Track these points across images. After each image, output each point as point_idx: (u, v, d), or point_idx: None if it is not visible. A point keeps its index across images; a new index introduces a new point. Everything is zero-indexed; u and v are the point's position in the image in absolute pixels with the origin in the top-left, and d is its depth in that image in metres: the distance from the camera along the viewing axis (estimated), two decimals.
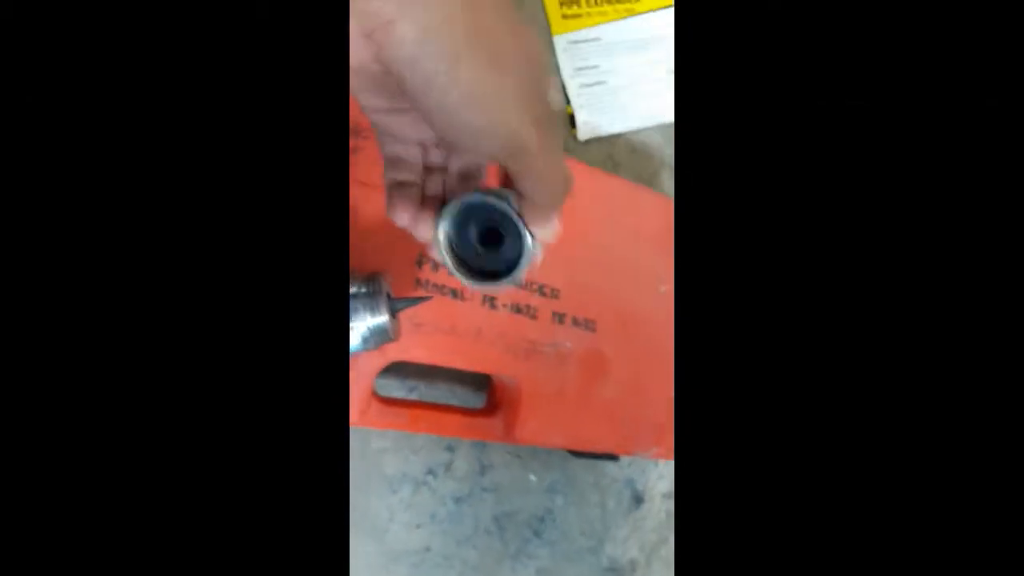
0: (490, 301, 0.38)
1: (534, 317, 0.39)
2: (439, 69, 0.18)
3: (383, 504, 0.43)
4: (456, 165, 0.27)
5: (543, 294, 0.40)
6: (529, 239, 0.25)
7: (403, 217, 0.26)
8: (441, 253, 0.27)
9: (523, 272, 0.26)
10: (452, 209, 0.26)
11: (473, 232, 0.27)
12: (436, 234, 0.26)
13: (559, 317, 0.40)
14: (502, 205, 0.25)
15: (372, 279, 0.30)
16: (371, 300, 0.29)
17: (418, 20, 0.17)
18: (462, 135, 0.20)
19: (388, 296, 0.30)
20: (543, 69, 0.21)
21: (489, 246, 0.27)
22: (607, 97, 0.48)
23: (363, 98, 0.22)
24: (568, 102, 0.48)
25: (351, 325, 0.29)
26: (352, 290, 0.30)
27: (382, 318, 0.29)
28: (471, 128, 0.19)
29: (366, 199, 0.33)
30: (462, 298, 0.37)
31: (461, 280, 0.27)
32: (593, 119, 0.48)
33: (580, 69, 0.48)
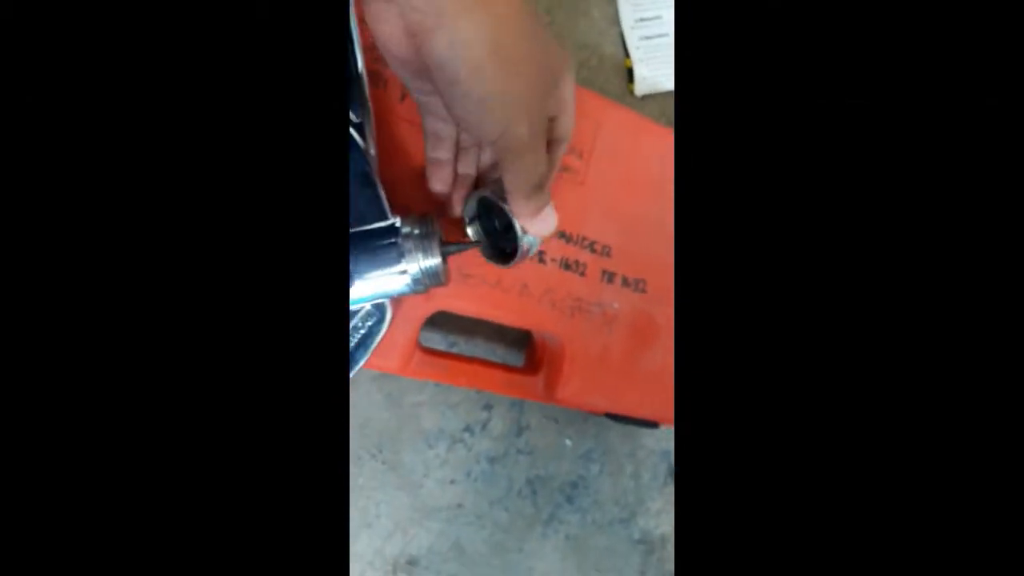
0: (539, 255, 0.37)
1: (583, 274, 0.38)
2: (461, 76, 0.22)
3: (419, 459, 0.43)
4: (488, 147, 0.31)
5: (593, 251, 0.38)
6: (518, 228, 0.29)
7: (440, 193, 0.31)
8: (468, 232, 0.32)
9: (517, 259, 0.30)
10: (472, 199, 0.31)
11: (495, 218, 0.32)
12: (464, 216, 0.32)
13: (608, 276, 0.39)
14: (498, 201, 0.29)
15: (424, 220, 0.29)
16: (423, 241, 0.28)
17: (450, 34, 0.21)
18: (471, 127, 0.24)
19: (440, 239, 0.29)
20: (556, 78, 0.25)
21: (506, 229, 0.31)
22: (668, 51, 0.46)
23: (407, 81, 0.26)
24: (627, 55, 0.46)
25: (403, 266, 0.28)
26: (404, 230, 0.29)
27: (434, 260, 0.28)
28: (480, 124, 0.24)
29: (417, 139, 0.32)
30: None
31: (484, 257, 0.32)
32: (652, 74, 0.46)
33: (641, 20, 0.45)
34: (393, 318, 0.34)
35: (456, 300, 0.35)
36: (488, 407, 0.45)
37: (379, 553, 0.42)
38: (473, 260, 0.35)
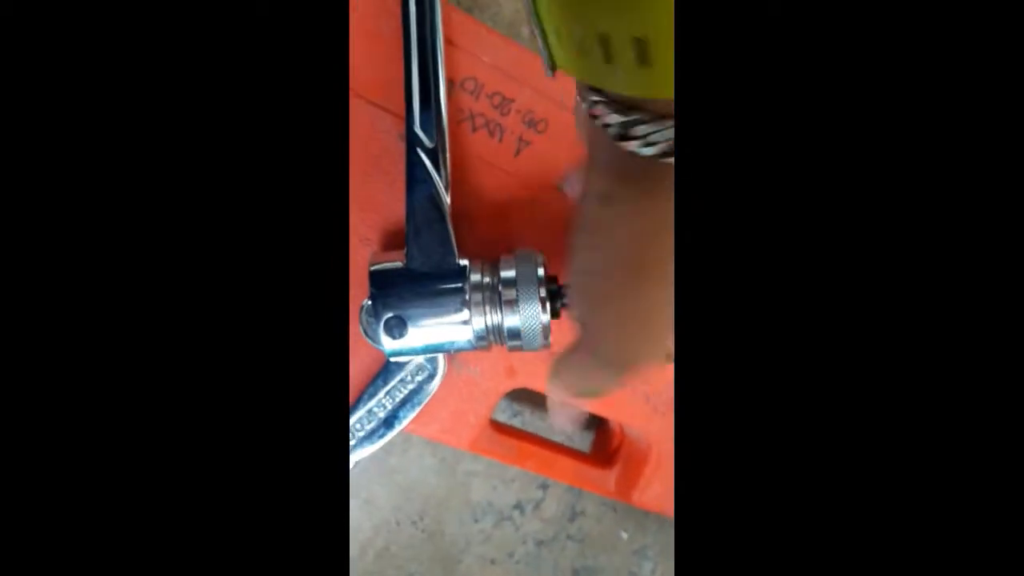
0: None
1: None
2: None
3: (461, 532, 0.39)
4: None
5: None
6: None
7: None
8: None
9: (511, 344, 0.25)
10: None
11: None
12: None
13: None
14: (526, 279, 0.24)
15: (494, 265, 0.26)
16: (494, 293, 0.25)
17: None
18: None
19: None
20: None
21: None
22: None
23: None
24: None
25: (465, 315, 0.25)
26: (474, 278, 0.25)
27: (503, 317, 0.25)
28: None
29: (508, 192, 0.28)
30: None
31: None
32: None
33: None
34: (470, 392, 0.30)
35: (539, 380, 0.31)
36: (544, 486, 0.40)
37: None
38: (555, 329, 0.31)
